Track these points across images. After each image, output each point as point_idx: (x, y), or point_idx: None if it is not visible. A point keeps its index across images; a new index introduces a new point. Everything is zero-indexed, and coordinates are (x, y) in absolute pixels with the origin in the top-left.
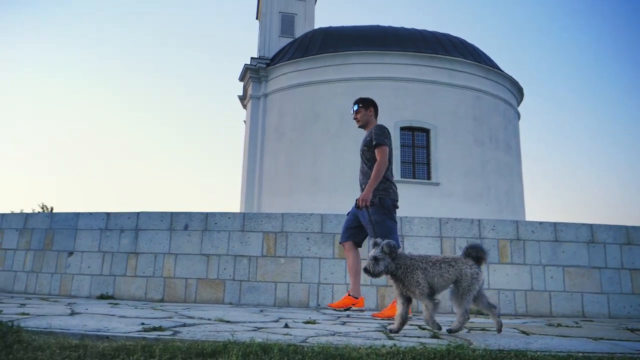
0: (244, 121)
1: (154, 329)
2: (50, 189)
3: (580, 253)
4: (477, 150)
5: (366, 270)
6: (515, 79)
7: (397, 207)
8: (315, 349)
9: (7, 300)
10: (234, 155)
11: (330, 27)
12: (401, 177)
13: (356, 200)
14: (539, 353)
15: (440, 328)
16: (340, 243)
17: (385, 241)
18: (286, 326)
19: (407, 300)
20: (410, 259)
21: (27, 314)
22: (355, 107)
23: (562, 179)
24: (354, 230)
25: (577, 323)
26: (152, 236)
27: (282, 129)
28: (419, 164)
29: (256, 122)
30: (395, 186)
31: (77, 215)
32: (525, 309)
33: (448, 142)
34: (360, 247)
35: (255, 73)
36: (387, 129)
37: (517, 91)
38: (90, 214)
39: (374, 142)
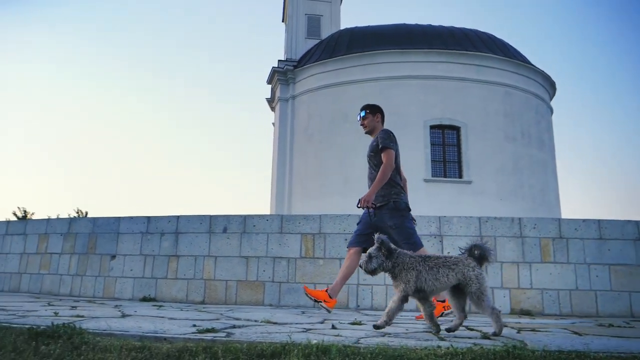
0: (273, 123)
1: (207, 330)
2: (84, 194)
3: (627, 251)
4: (509, 147)
5: (360, 266)
6: (547, 73)
7: (410, 210)
8: (373, 350)
9: (57, 303)
10: (264, 157)
11: (356, 27)
12: (432, 176)
13: (359, 199)
14: (600, 354)
15: (439, 329)
16: (348, 248)
17: (380, 237)
18: (333, 327)
19: (404, 300)
20: (409, 258)
21: (82, 316)
22: (362, 113)
23: (599, 174)
24: (366, 237)
25: (628, 323)
26: (192, 239)
27: (311, 131)
28: (449, 162)
29: (285, 124)
30: (404, 191)
31: (118, 219)
32: (570, 309)
33: (479, 139)
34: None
35: (283, 75)
36: (393, 133)
37: (549, 85)
38: (131, 218)
39: (380, 146)
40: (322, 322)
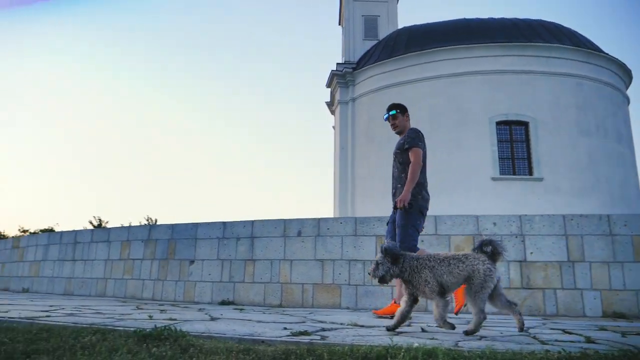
0: (333, 127)
1: (301, 333)
2: (153, 202)
3: None
4: (583, 141)
5: (368, 274)
6: (621, 60)
7: (425, 213)
8: (481, 354)
9: (145, 307)
10: (325, 161)
11: (414, 26)
12: (500, 174)
13: (395, 201)
14: None
15: (453, 327)
16: None
17: (384, 245)
18: (423, 330)
19: (414, 301)
20: (417, 260)
21: (175, 319)
22: (393, 112)
23: None
24: None
25: None
26: (267, 243)
27: (372, 132)
28: (518, 159)
29: (345, 126)
30: (427, 192)
31: (196, 225)
32: None
33: (549, 134)
34: None
35: (342, 78)
36: (421, 132)
37: (624, 74)
38: (208, 223)
39: (406, 146)
40: (408, 325)
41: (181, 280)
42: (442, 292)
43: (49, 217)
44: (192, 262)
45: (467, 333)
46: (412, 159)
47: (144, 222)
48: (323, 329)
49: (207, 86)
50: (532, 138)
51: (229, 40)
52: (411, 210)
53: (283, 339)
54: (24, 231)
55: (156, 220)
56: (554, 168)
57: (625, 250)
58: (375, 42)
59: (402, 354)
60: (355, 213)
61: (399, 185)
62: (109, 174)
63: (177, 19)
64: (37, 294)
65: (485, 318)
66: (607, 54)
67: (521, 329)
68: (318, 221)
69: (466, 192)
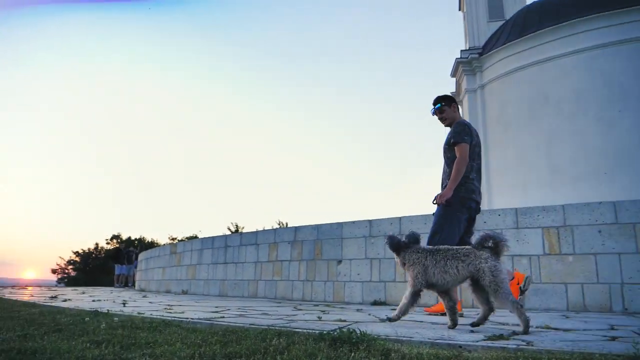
0: None
1: (496, 337)
2: (284, 205)
3: None
4: None
5: None
6: None
7: (469, 205)
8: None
9: (304, 307)
10: None
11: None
12: None
13: (435, 195)
14: None
15: (393, 320)
16: None
17: (388, 235)
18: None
19: (415, 294)
20: (417, 253)
21: (344, 320)
22: (438, 106)
23: None
24: None
25: None
26: None
27: (506, 119)
28: None
29: (475, 116)
30: (472, 183)
31: (340, 225)
32: None
33: None
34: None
35: (468, 65)
36: (468, 125)
37: None
38: (353, 222)
39: (452, 141)
40: (611, 329)
41: (330, 280)
42: (440, 290)
43: (193, 225)
44: (339, 262)
45: (523, 332)
46: (457, 155)
47: (275, 226)
48: (514, 332)
49: (324, 90)
50: None
51: (341, 40)
52: (451, 204)
53: (480, 343)
54: (173, 239)
55: (286, 224)
56: None
57: None
58: (501, 22)
59: None
60: (492, 206)
61: (448, 181)
62: (242, 183)
63: (283, 14)
64: (195, 296)
65: (523, 306)
66: None
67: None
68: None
69: (629, 177)
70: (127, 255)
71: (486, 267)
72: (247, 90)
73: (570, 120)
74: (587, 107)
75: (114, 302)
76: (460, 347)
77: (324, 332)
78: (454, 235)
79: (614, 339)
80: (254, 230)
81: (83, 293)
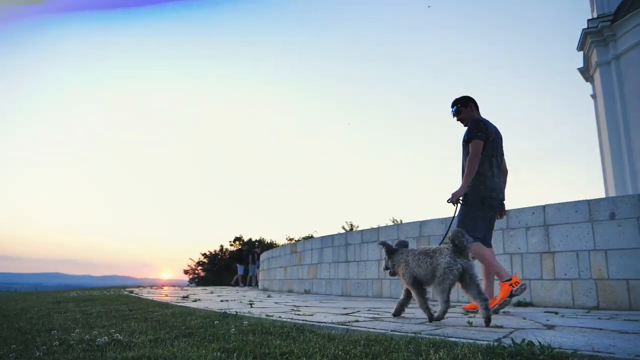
0: (592, 95)
1: None
2: (395, 202)
3: None
4: None
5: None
6: None
7: (490, 204)
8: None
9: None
10: (583, 137)
11: None
12: None
13: (452, 194)
14: None
15: (432, 315)
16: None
17: (381, 240)
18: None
19: (408, 292)
20: (400, 254)
21: (500, 327)
22: (454, 109)
23: None
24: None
25: None
26: (567, 231)
27: None
28: None
29: (611, 91)
30: (491, 180)
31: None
32: None
33: None
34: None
35: (598, 35)
36: (482, 121)
37: None
38: None
39: (465, 138)
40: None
41: None
42: (419, 284)
43: (309, 225)
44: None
45: (431, 320)
46: (470, 151)
47: (390, 223)
48: None
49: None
50: None
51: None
52: (469, 201)
53: None
54: (290, 239)
55: (401, 221)
56: None
57: None
58: None
59: None
60: (638, 191)
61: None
62: (353, 183)
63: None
64: (318, 295)
65: (448, 307)
66: None
67: (487, 323)
68: (639, 197)
69: None
70: (251, 255)
71: (443, 262)
72: (360, 89)
73: None
74: None
75: (240, 302)
76: None
77: (493, 344)
78: (475, 230)
79: None
80: (373, 227)
81: (211, 293)
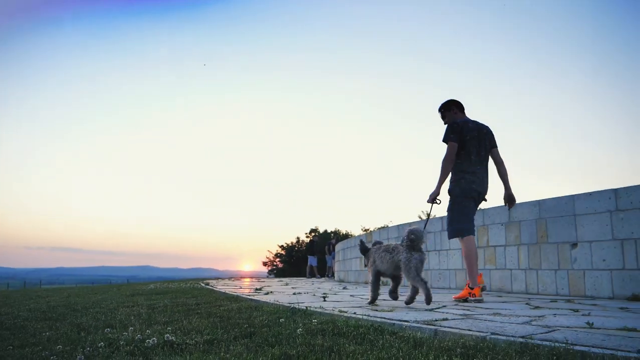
0: None
1: None
2: None
3: None
4: None
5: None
6: None
7: (472, 196)
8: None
9: (539, 304)
10: None
11: None
12: None
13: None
14: None
15: (397, 299)
16: (462, 238)
17: (360, 239)
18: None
19: (395, 278)
20: (372, 250)
21: (631, 329)
22: (440, 116)
23: None
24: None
25: None
26: None
27: None
28: None
29: None
30: (474, 175)
31: (572, 198)
32: None
33: None
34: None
35: None
36: (457, 123)
37: None
38: (590, 194)
39: (442, 140)
40: None
41: (562, 269)
42: (393, 277)
43: (383, 215)
44: (573, 245)
45: (407, 302)
46: (445, 153)
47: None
48: None
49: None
50: None
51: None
52: (453, 195)
53: None
54: (366, 229)
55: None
56: None
57: None
58: None
59: None
60: None
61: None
62: (424, 172)
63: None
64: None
65: (425, 283)
66: None
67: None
68: None
69: None
70: (327, 246)
71: (402, 259)
72: (427, 82)
73: None
74: None
75: (314, 295)
76: None
77: None
78: (464, 220)
79: None
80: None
81: (286, 285)
